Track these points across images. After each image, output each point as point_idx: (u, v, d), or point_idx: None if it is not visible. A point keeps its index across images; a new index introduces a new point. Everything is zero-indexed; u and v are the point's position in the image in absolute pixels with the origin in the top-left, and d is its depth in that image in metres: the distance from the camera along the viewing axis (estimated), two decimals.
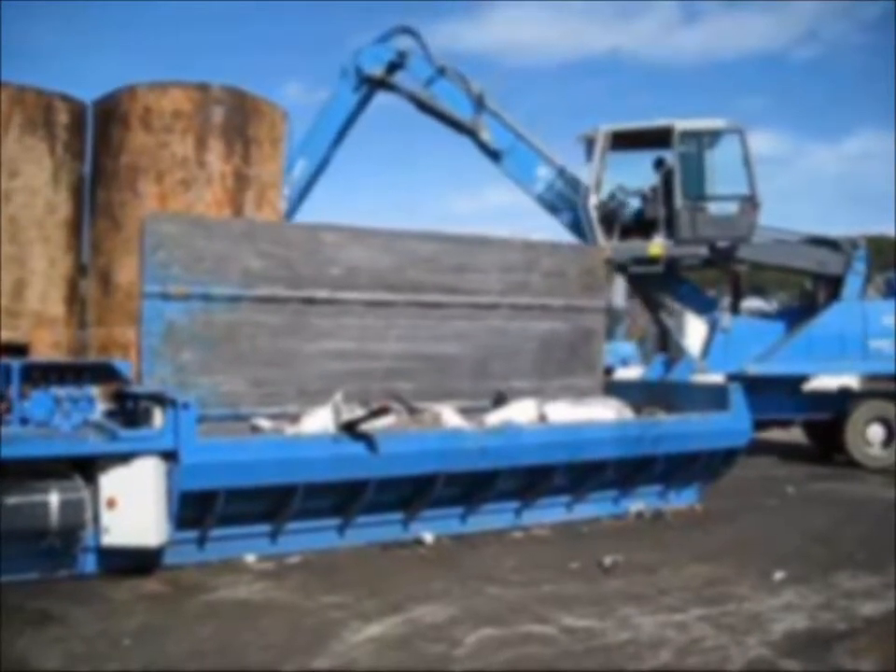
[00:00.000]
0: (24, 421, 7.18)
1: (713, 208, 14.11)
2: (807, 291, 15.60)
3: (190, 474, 6.77)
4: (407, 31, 14.39)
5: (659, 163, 14.15)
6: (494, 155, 14.69)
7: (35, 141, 9.67)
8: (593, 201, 13.75)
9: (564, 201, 14.53)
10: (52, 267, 9.82)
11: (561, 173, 14.62)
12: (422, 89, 14.39)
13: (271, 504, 7.37)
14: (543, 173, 14.75)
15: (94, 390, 7.53)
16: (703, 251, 13.81)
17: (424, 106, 14.51)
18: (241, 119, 10.19)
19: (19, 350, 9.14)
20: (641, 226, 14.03)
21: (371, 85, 14.47)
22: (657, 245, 13.67)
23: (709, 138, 14.26)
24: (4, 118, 9.48)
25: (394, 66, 14.29)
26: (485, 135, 14.45)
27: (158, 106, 9.92)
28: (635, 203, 14.44)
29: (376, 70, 14.23)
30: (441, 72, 14.41)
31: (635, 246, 13.81)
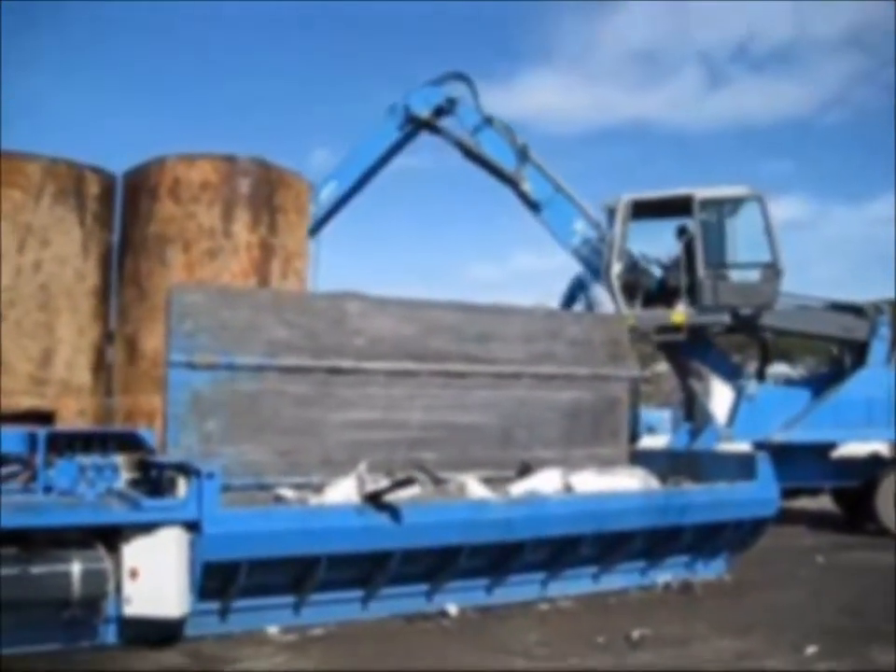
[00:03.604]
0: (48, 489, 7.19)
1: (735, 276, 14.14)
2: (834, 357, 15.51)
3: (213, 545, 6.74)
4: (461, 77, 14.76)
5: (682, 232, 14.21)
6: (533, 206, 14.94)
7: (65, 211, 9.83)
8: (615, 269, 13.79)
9: (599, 256, 14.59)
10: (80, 335, 9.90)
11: (598, 228, 14.72)
12: (468, 136, 14.71)
13: (294, 575, 7.31)
14: (580, 227, 14.92)
15: (119, 459, 7.54)
16: (726, 319, 13.80)
17: (469, 153, 14.82)
18: (267, 190, 10.35)
19: (45, 418, 9.21)
20: (664, 294, 14.05)
21: (416, 125, 14.79)
22: (680, 313, 13.67)
23: (730, 206, 14.35)
24: (36, 189, 9.66)
25: (441, 111, 14.62)
26: (526, 186, 14.73)
27: (186, 178, 10.09)
28: (657, 272, 14.50)
29: (423, 112, 14.58)
30: (488, 122, 14.78)
31: (658, 315, 13.81)
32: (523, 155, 14.74)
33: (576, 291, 16.50)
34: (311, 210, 12.94)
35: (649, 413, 20.49)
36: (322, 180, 14.38)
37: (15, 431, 7.72)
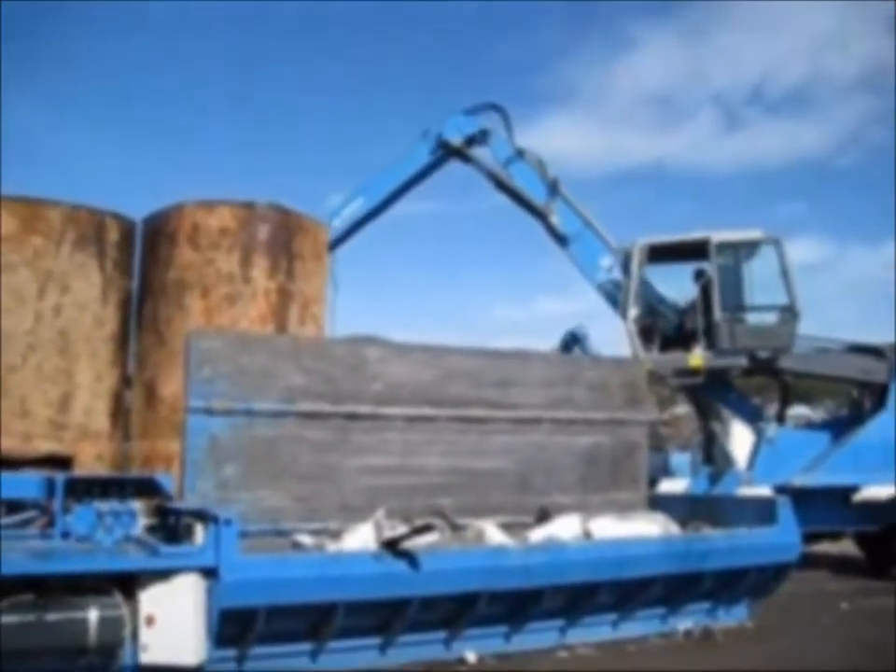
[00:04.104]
0: (66, 535, 7.18)
1: (752, 319, 14.12)
2: (854, 399, 15.41)
3: (230, 592, 6.72)
4: (496, 108, 14.94)
5: (699, 275, 14.22)
6: (561, 240, 15.03)
7: (86, 257, 9.91)
8: (632, 314, 13.80)
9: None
10: (98, 381, 9.94)
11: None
12: (500, 167, 14.85)
13: (312, 622, 7.27)
14: (606, 263, 14.98)
15: (137, 505, 7.53)
16: (743, 362, 13.75)
17: (500, 185, 14.97)
18: (285, 236, 10.40)
19: (63, 462, 9.23)
20: (681, 337, 14.03)
21: (447, 152, 14.93)
22: (697, 357, 13.64)
23: (746, 249, 14.35)
24: (57, 235, 9.75)
25: (473, 140, 14.78)
26: (554, 219, 14.86)
27: (205, 224, 10.17)
28: (673, 315, 14.49)
29: (455, 139, 14.78)
30: (520, 154, 14.97)
31: (675, 358, 13.78)
32: (553, 189, 14.88)
33: (570, 345, 16.62)
34: (334, 223, 13.29)
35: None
36: (350, 194, 14.61)
37: (34, 476, 7.75)
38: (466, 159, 15.16)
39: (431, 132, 15.04)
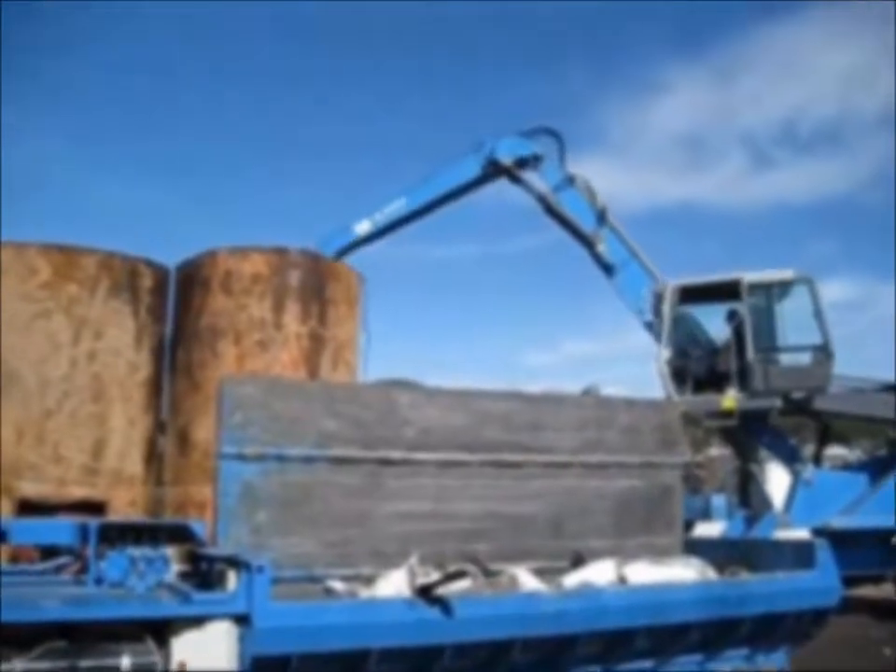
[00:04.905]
0: (99, 581, 7.19)
1: (786, 359, 14.04)
2: (892, 439, 15.23)
3: (263, 639, 6.66)
4: (552, 133, 14.95)
5: (731, 316, 14.16)
6: (607, 268, 14.98)
7: (120, 304, 10.05)
8: (664, 355, 13.74)
9: None
10: (132, 426, 10.03)
11: None
12: (550, 192, 14.84)
13: (344, 669, 7.17)
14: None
15: (170, 551, 7.53)
16: (777, 403, 13.64)
17: (550, 210, 14.95)
18: (317, 282, 10.50)
19: (97, 508, 9.29)
20: (714, 379, 13.94)
21: (496, 170, 14.92)
22: (730, 398, 13.55)
23: (779, 289, 14.32)
24: (92, 282, 9.89)
25: (524, 162, 14.78)
26: (601, 247, 14.83)
27: (238, 270, 10.28)
28: (707, 356, 14.41)
29: (506, 159, 14.82)
30: (571, 180, 14.93)
31: (708, 400, 13.70)
32: (601, 217, 14.86)
33: None
34: (375, 217, 13.29)
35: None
36: (394, 194, 14.73)
37: (67, 522, 7.79)
38: (514, 179, 15.15)
39: (485, 146, 14.99)
